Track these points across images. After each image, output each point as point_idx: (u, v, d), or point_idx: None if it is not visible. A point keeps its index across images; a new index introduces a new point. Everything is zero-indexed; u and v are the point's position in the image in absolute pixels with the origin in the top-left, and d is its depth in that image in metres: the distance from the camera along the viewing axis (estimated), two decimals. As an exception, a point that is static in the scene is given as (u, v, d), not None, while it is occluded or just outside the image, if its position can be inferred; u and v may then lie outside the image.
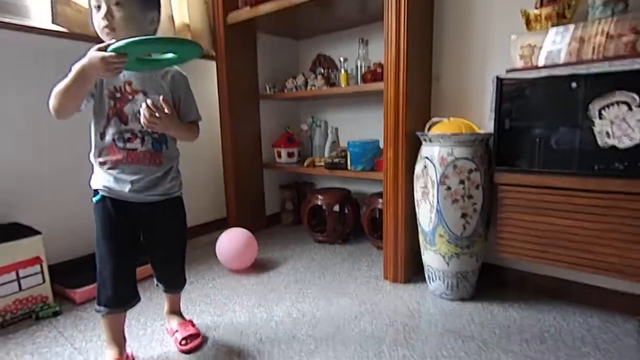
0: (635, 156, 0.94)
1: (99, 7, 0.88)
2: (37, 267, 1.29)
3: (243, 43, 2.07)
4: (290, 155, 2.18)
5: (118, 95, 0.92)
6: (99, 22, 0.88)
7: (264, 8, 1.79)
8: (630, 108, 0.92)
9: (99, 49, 0.80)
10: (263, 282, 1.55)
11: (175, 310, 1.21)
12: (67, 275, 1.47)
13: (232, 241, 1.64)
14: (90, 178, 0.98)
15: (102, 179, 0.95)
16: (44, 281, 1.31)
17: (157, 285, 1.16)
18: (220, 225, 2.19)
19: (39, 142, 1.50)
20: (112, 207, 0.95)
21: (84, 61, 0.81)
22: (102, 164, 0.94)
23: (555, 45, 1.07)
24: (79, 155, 1.59)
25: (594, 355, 1.03)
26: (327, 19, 1.95)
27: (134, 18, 0.89)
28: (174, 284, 1.17)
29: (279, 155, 2.19)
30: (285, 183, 2.39)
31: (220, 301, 1.40)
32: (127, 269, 1.00)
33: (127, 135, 0.93)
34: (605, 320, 1.20)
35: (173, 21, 1.82)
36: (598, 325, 1.17)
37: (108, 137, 0.92)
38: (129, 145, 0.93)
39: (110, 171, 0.94)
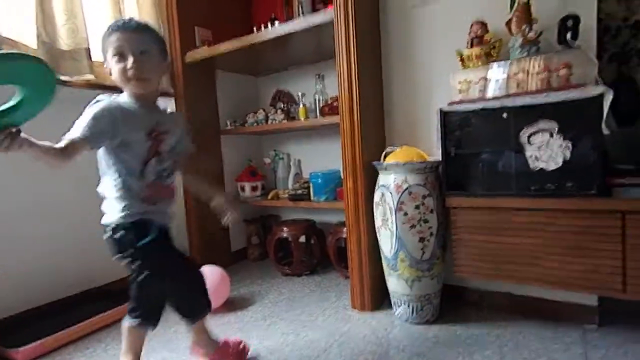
0: (562, 177, 1.05)
1: (121, 55, 0.90)
2: (-25, 327, 1.19)
3: (202, 80, 2.10)
4: (254, 189, 2.19)
5: (154, 134, 0.97)
6: (123, 71, 0.91)
7: (221, 47, 1.85)
8: (552, 135, 1.04)
9: None
10: (230, 321, 1.51)
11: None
12: (7, 333, 1.35)
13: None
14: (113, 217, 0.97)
15: (145, 211, 0.98)
16: (-18, 342, 1.20)
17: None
18: (184, 264, 2.12)
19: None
20: (160, 235, 0.99)
21: None
22: (144, 200, 0.97)
23: (491, 81, 1.20)
24: (23, 207, 1.51)
25: (549, 366, 1.09)
26: (284, 57, 2.04)
27: (158, 67, 0.96)
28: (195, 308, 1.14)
29: (243, 190, 2.19)
30: (251, 217, 2.38)
31: (185, 346, 1.33)
32: None
33: (165, 173, 1.02)
34: (556, 331, 1.27)
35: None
36: (550, 337, 1.24)
37: (150, 176, 0.98)
38: (164, 182, 1.02)
39: (150, 207, 0.98)
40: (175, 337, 1.40)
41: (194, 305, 1.12)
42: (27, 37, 1.51)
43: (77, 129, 0.85)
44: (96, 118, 0.87)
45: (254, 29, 1.79)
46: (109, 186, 0.96)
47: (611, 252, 1.04)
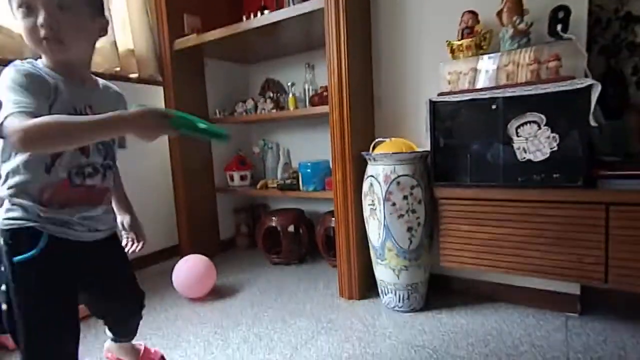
0: (548, 168, 1.06)
1: (29, 9, 0.68)
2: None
3: (191, 68, 2.07)
4: (242, 178, 2.18)
5: None
6: (34, 30, 0.69)
7: (210, 35, 1.82)
8: (539, 126, 1.05)
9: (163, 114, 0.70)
10: (218, 308, 1.51)
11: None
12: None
13: (190, 268, 1.60)
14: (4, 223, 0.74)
15: (40, 216, 0.74)
16: (-32, 329, 1.18)
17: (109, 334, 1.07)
18: (172, 253, 2.12)
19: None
20: (56, 254, 0.75)
21: (127, 113, 0.68)
22: (45, 203, 0.74)
23: (481, 72, 1.20)
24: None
25: (530, 353, 1.11)
26: (274, 46, 2.01)
27: (84, 27, 0.75)
28: (132, 331, 1.07)
29: (232, 179, 2.18)
30: (240, 206, 2.37)
31: (174, 332, 1.34)
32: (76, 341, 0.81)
33: (89, 170, 0.79)
34: (539, 318, 1.30)
35: (116, 47, 1.79)
36: (533, 325, 1.27)
37: (61, 172, 0.74)
38: (88, 182, 0.79)
39: (57, 210, 0.75)
40: (165, 323, 1.40)
41: (119, 329, 1.06)
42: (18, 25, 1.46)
43: (9, 105, 0.64)
44: (26, 86, 0.67)
45: (244, 16, 1.76)
46: (2, 180, 0.75)
47: (594, 242, 1.06)
